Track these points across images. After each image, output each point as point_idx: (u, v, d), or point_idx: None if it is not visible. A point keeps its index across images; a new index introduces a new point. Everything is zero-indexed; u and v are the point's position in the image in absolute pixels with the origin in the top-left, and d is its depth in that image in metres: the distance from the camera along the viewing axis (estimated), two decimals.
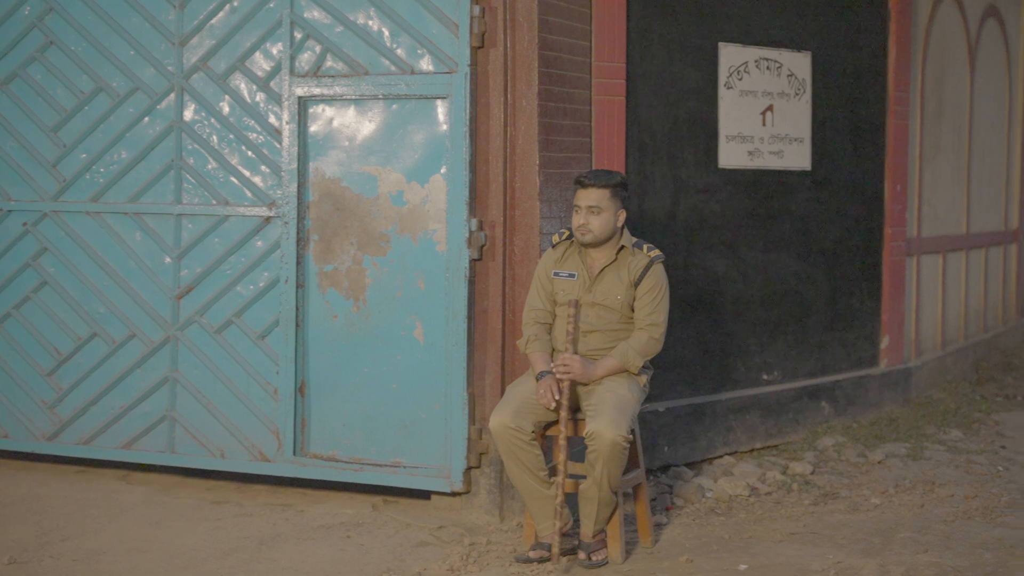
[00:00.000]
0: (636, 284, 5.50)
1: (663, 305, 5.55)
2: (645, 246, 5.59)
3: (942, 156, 9.59)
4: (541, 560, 5.41)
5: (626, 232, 5.59)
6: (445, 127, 6.06)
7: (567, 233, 5.62)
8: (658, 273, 5.55)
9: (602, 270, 5.53)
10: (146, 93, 6.64)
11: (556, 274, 5.58)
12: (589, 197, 5.47)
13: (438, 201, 6.09)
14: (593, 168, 6.36)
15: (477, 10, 5.92)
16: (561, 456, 5.35)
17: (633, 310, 5.53)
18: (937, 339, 9.59)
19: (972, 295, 10.48)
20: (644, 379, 5.57)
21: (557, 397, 5.34)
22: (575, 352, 5.45)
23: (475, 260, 6.01)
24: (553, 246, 5.66)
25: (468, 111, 5.96)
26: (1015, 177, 11.62)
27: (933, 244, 9.41)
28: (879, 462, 7.32)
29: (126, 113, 6.68)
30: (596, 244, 5.51)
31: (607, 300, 5.50)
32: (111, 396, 6.74)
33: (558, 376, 5.39)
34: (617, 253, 5.55)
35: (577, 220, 5.49)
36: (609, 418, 5.24)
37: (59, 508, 6.21)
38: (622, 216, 5.53)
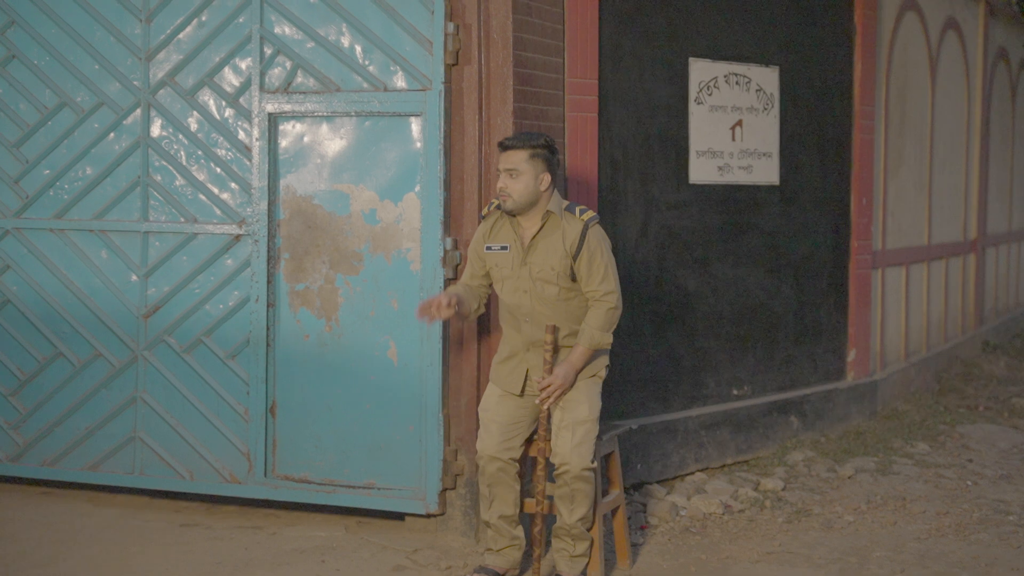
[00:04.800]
0: (575, 255, 5.21)
1: (611, 269, 5.27)
2: (577, 209, 5.30)
3: (905, 168, 9.65)
4: None
5: (556, 197, 5.30)
6: (419, 145, 5.99)
7: (496, 203, 5.37)
8: (596, 236, 5.25)
9: (533, 239, 5.26)
10: (112, 108, 6.52)
11: (488, 248, 5.37)
12: (507, 160, 5.21)
13: (412, 220, 6.02)
14: (566, 185, 6.32)
15: (451, 27, 5.86)
16: (540, 486, 5.30)
17: (573, 279, 5.24)
18: (901, 350, 9.64)
19: (934, 306, 10.55)
20: (604, 370, 5.38)
21: (443, 305, 5.19)
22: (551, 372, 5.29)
23: (450, 279, 5.94)
24: (483, 218, 5.45)
25: (442, 129, 5.89)
26: (973, 187, 11.72)
27: (897, 256, 9.46)
28: (849, 477, 7.33)
29: (91, 128, 6.56)
30: (519, 210, 5.23)
31: (542, 272, 5.23)
32: (76, 417, 6.61)
33: (544, 405, 5.21)
34: (544, 219, 5.27)
35: (497, 185, 5.24)
36: (573, 446, 5.21)
37: (25, 532, 6.08)
38: (545, 180, 5.22)
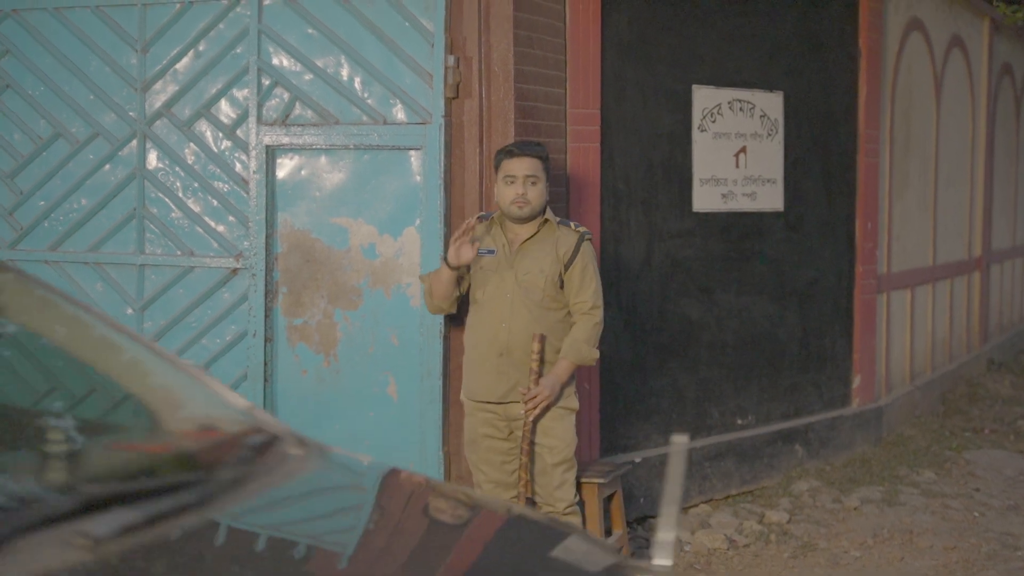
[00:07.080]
0: (567, 264, 5.19)
1: (599, 285, 5.28)
2: (572, 223, 5.33)
3: (910, 190, 9.55)
4: None
5: (547, 207, 5.33)
6: (419, 178, 5.91)
7: (482, 215, 5.37)
8: (590, 251, 5.28)
9: (523, 243, 5.22)
10: (107, 139, 6.44)
11: (478, 251, 5.29)
12: (524, 166, 5.15)
13: (412, 254, 5.93)
14: (568, 216, 6.23)
15: (452, 60, 5.77)
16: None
17: (559, 287, 5.20)
18: (905, 373, 9.55)
19: (938, 326, 10.45)
20: (575, 399, 5.29)
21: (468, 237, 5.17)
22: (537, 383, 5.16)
23: (451, 314, 5.85)
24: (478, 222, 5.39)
25: (442, 162, 5.81)
26: (978, 204, 11.62)
27: (902, 279, 9.36)
28: (855, 508, 7.23)
29: (86, 159, 6.48)
30: (532, 217, 5.19)
31: (529, 276, 5.17)
32: None
33: (530, 416, 5.12)
34: (540, 226, 5.25)
35: (512, 192, 5.14)
36: (554, 488, 5.18)
37: None
38: (548, 188, 5.28)
